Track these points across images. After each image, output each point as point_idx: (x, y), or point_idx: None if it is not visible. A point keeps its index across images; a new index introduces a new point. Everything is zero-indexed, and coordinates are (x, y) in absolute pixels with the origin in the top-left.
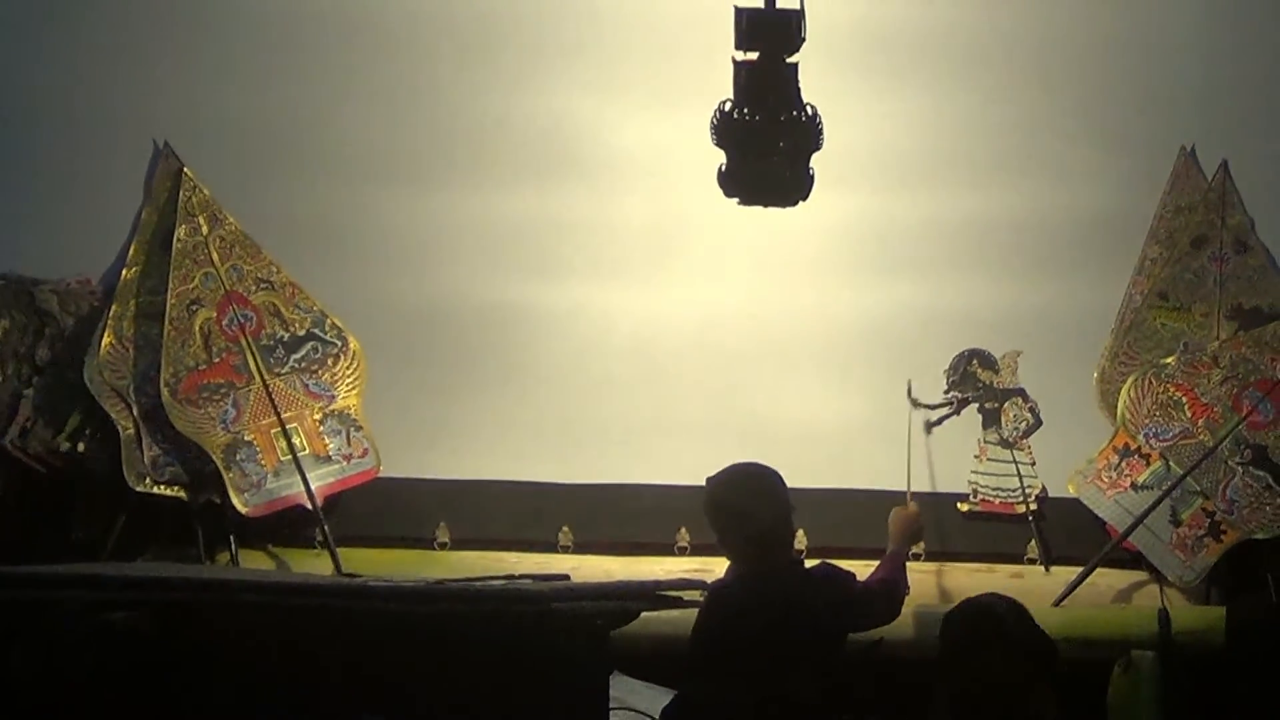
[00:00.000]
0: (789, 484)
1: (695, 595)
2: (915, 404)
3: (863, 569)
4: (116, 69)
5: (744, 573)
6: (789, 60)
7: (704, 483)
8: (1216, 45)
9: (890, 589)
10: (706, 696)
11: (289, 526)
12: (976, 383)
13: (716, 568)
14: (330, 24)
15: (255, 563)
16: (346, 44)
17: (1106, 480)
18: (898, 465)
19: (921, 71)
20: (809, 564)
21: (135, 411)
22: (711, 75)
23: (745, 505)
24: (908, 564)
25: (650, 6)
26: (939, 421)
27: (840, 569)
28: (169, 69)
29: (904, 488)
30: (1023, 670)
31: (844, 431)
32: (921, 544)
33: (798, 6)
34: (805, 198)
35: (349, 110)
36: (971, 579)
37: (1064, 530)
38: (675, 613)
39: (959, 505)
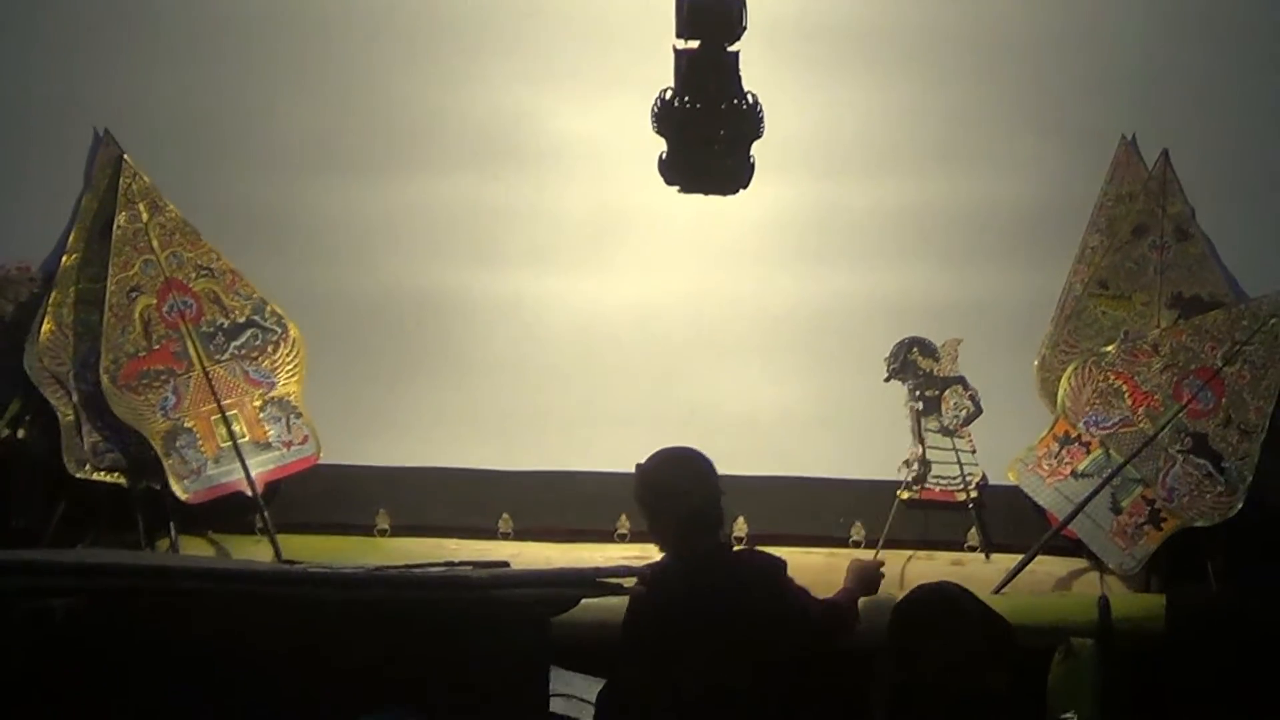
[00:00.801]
0: (729, 471)
1: (634, 582)
2: (911, 370)
3: (800, 556)
4: (57, 56)
5: (673, 558)
6: (730, 49)
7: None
8: (1157, 33)
9: (834, 610)
10: (638, 682)
11: (229, 513)
12: (917, 370)
13: (656, 555)
14: (270, 14)
15: (195, 549)
16: (286, 34)
17: (1047, 468)
18: (836, 452)
19: (862, 61)
20: (738, 550)
21: (75, 398)
22: (652, 63)
23: (675, 486)
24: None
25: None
26: (916, 444)
27: (768, 554)
28: (110, 57)
29: (848, 475)
30: (980, 650)
31: (784, 419)
32: (862, 530)
33: None
34: (746, 186)
35: (289, 99)
36: (912, 566)
37: (1004, 518)
38: (615, 599)
39: (899, 493)
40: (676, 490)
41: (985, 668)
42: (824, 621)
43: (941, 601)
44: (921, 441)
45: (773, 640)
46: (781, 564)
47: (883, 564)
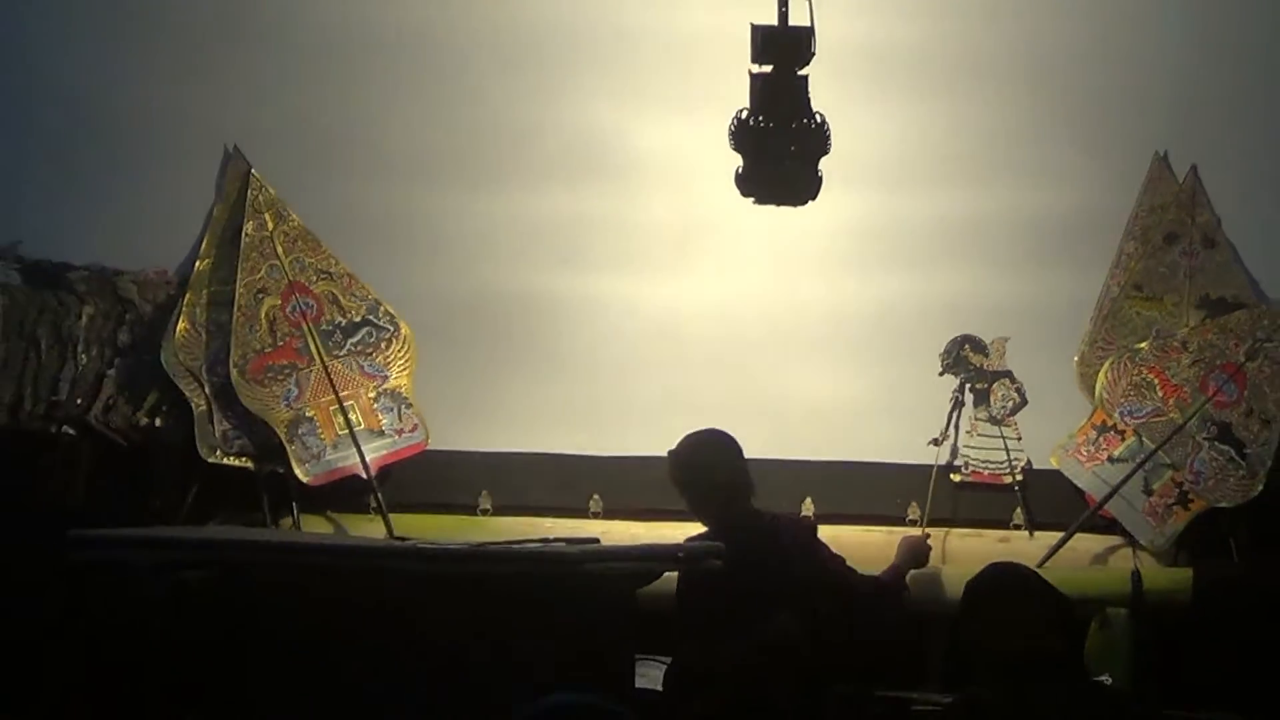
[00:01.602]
0: (797, 456)
1: (715, 559)
2: (938, 442)
3: (860, 534)
4: (191, 81)
5: (711, 529)
6: (800, 73)
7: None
8: (1187, 62)
9: (882, 586)
10: (696, 654)
11: (346, 494)
12: (968, 365)
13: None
14: (384, 39)
15: (315, 527)
16: (398, 57)
17: (1085, 454)
18: (898, 440)
19: (920, 83)
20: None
21: (207, 390)
22: (729, 86)
23: (701, 462)
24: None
25: (673, 24)
26: (948, 429)
27: (797, 516)
28: (238, 80)
29: (905, 460)
30: (1044, 619)
31: (847, 409)
32: (917, 510)
33: (808, 24)
34: (814, 198)
35: (401, 117)
36: (963, 543)
37: (1046, 499)
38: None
39: (951, 476)
40: (703, 465)
41: (1049, 634)
42: (877, 592)
43: (1012, 577)
44: (957, 429)
45: (812, 590)
46: (812, 523)
47: (929, 537)
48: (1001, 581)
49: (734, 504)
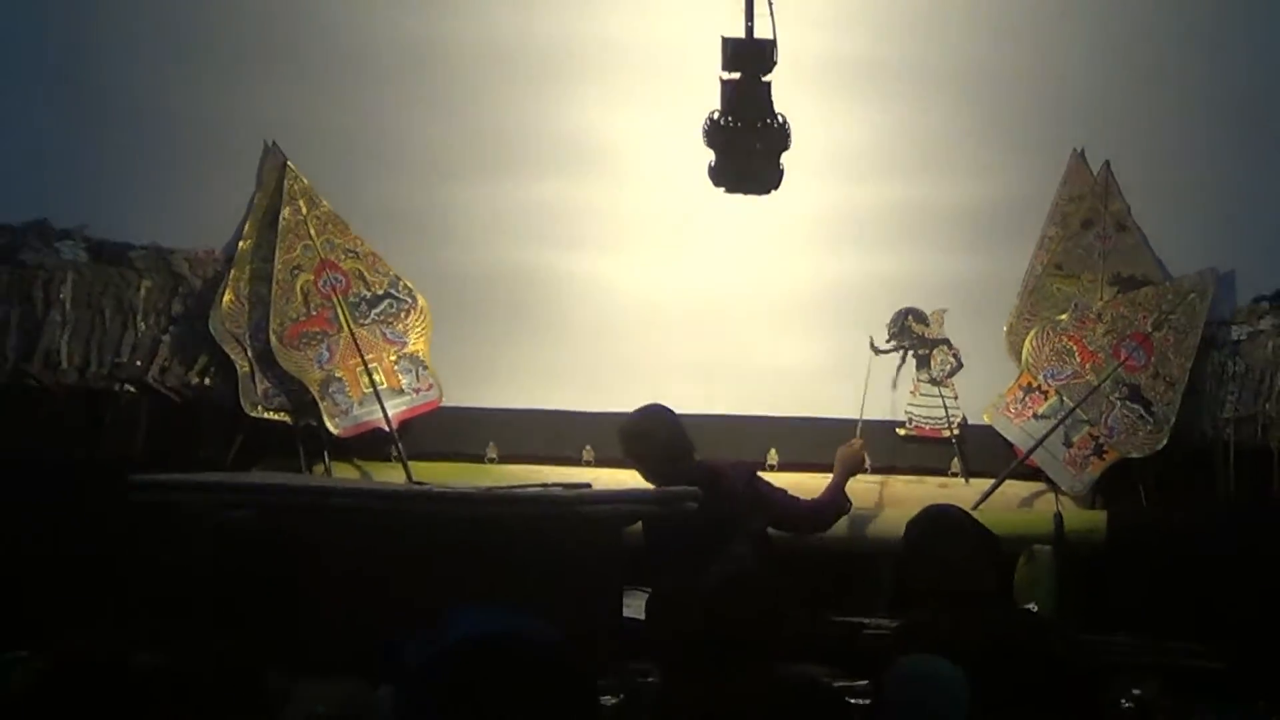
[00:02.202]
0: (764, 413)
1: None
2: (876, 351)
3: (819, 480)
4: (236, 86)
5: (660, 480)
6: (764, 79)
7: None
8: (1101, 73)
9: (820, 507)
10: (670, 588)
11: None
12: (911, 334)
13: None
14: (403, 49)
15: (344, 473)
16: (417, 65)
17: (1013, 411)
18: (850, 398)
19: (870, 89)
20: (711, 462)
21: (250, 354)
22: (702, 90)
23: (643, 430)
24: (857, 477)
25: (654, 37)
26: (888, 352)
27: (739, 460)
28: (277, 85)
29: (856, 417)
30: (978, 555)
31: (808, 372)
32: (868, 463)
33: (771, 37)
34: (777, 187)
35: (418, 116)
36: (907, 488)
37: (980, 450)
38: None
39: (898, 430)
40: (643, 433)
41: (981, 567)
42: (820, 509)
43: (948, 518)
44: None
45: (758, 517)
46: (751, 465)
47: (863, 444)
48: (939, 521)
49: (678, 461)
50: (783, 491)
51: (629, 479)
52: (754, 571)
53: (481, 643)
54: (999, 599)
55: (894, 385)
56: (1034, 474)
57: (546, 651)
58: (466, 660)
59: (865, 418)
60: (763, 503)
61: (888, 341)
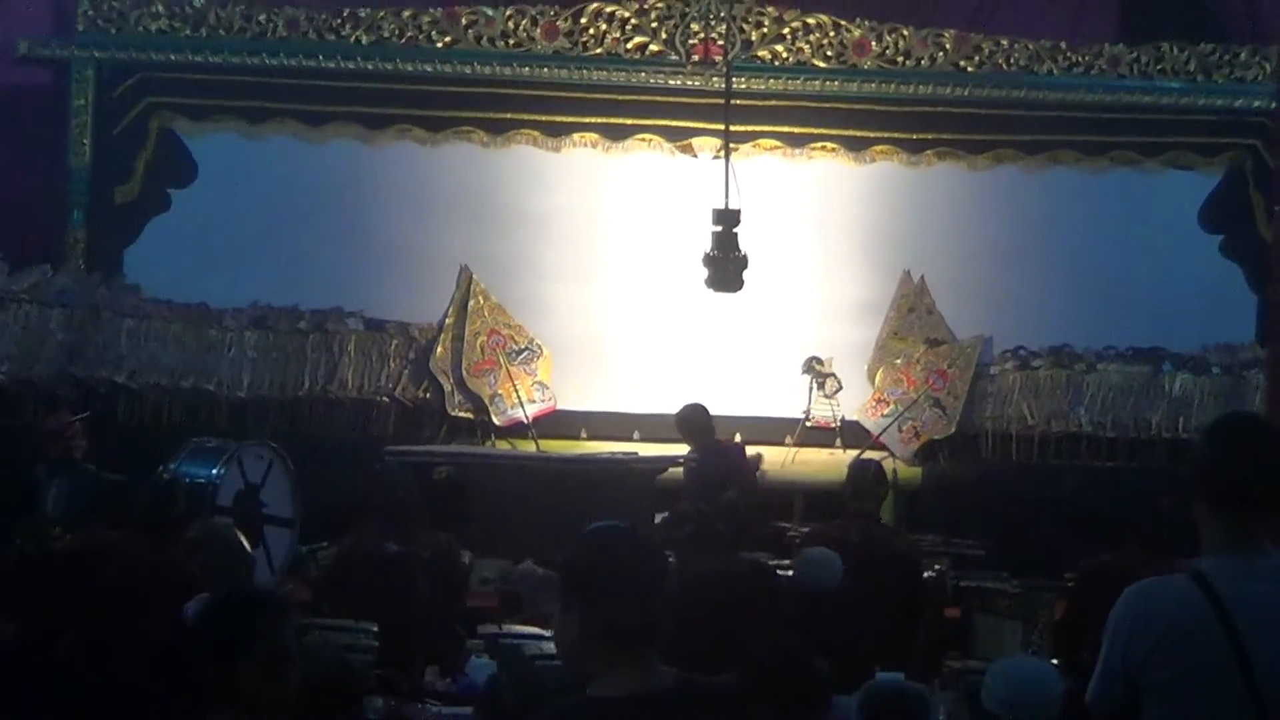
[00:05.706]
0: (733, 414)
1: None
2: (812, 369)
3: (769, 450)
4: (445, 227)
5: (696, 450)
6: (734, 230)
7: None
8: (919, 226)
9: (752, 470)
10: (691, 510)
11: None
12: (814, 368)
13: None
14: (528, 212)
15: (502, 446)
16: (542, 225)
17: (870, 412)
18: (787, 404)
19: (796, 235)
20: (723, 443)
21: (451, 380)
22: (697, 236)
23: (687, 415)
24: (779, 448)
25: (672, 208)
26: (806, 374)
27: (735, 443)
28: (468, 225)
29: (794, 415)
30: (882, 489)
31: (764, 390)
32: (764, 461)
33: (738, 208)
34: (741, 289)
35: (544, 253)
36: (815, 455)
37: (851, 435)
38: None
39: (806, 423)
40: (688, 418)
41: (865, 499)
42: (750, 470)
43: (870, 466)
44: (810, 400)
45: (740, 472)
46: (741, 447)
47: (761, 459)
48: (855, 474)
49: (705, 437)
50: (747, 461)
51: (659, 450)
52: (737, 500)
53: (604, 530)
54: (872, 516)
55: (808, 398)
56: (881, 448)
57: (633, 536)
58: (598, 540)
59: (793, 415)
60: (742, 465)
61: (803, 374)
